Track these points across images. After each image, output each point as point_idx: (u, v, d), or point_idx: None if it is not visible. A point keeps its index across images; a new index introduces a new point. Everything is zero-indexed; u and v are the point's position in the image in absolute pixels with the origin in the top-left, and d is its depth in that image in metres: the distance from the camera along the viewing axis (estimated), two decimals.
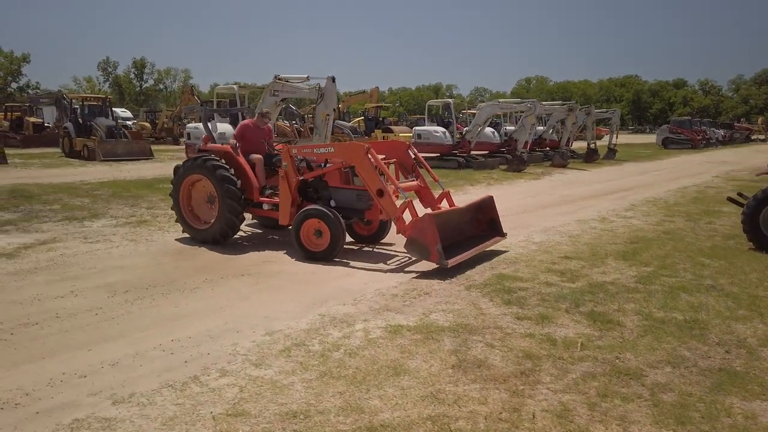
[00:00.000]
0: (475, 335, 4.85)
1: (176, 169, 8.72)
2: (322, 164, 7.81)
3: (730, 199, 8.78)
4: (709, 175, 20.17)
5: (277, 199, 8.24)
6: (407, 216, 7.05)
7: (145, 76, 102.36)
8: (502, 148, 22.63)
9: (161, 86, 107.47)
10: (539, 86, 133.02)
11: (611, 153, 26.29)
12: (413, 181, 7.97)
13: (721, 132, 47.02)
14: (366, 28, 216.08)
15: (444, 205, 7.83)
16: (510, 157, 20.52)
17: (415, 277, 6.69)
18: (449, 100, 22.00)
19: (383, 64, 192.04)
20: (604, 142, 30.56)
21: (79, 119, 24.43)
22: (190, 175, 8.47)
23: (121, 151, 24.05)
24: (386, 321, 5.21)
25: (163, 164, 21.91)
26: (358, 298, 6.01)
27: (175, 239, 8.83)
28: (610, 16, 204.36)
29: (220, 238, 8.23)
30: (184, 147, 23.08)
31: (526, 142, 20.32)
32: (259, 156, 8.57)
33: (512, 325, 5.09)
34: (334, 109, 12.98)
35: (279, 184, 7.96)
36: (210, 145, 8.77)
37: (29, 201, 11.73)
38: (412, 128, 41.53)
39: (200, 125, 16.04)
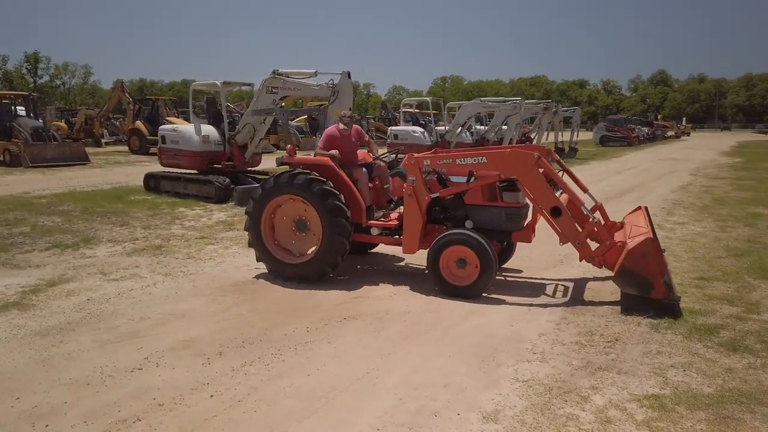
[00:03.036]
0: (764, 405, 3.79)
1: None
2: (466, 177, 6.33)
3: None
4: (685, 173, 20.42)
5: (391, 222, 6.86)
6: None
7: (39, 72, 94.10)
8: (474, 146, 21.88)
9: (58, 82, 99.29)
10: (455, 85, 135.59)
11: (572, 152, 26.34)
12: (559, 193, 6.63)
13: (645, 130, 49.19)
14: (274, 26, 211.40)
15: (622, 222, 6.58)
16: None
17: (568, 314, 5.56)
18: (427, 98, 21.01)
19: (299, 63, 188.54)
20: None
21: None
22: (276, 198, 6.73)
23: (52, 155, 21.16)
24: (622, 388, 4.04)
25: (105, 170, 19.41)
26: (530, 348, 4.80)
27: (217, 268, 7.19)
28: (520, 16, 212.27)
29: (328, 270, 6.58)
30: (119, 149, 20.77)
31: (512, 141, 19.66)
32: (362, 170, 7.07)
33: None
34: (350, 109, 11.56)
35: (404, 204, 6.46)
36: (301, 157, 7.03)
37: None
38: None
39: (179, 127, 14.01)
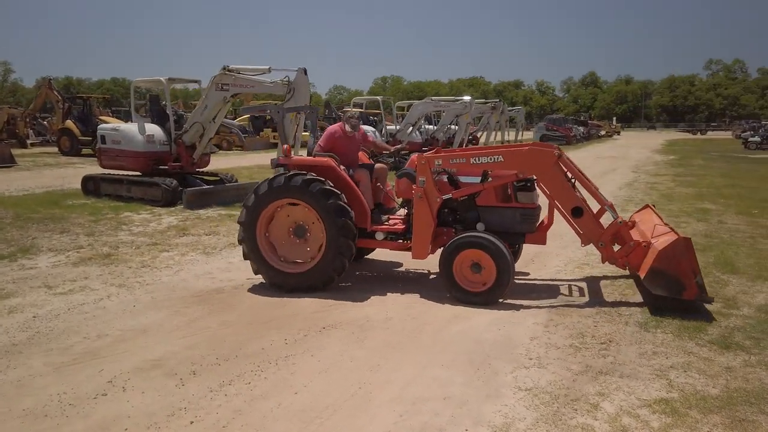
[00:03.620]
0: None
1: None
2: (481, 177, 6.04)
3: None
4: (627, 170, 21.04)
5: (396, 226, 6.51)
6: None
7: None
8: (424, 147, 21.82)
9: None
10: (395, 85, 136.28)
11: None
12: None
13: (582, 129, 50.83)
14: (209, 24, 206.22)
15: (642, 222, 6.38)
16: None
17: (554, 316, 5.42)
18: (377, 97, 20.73)
19: (239, 61, 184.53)
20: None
21: None
22: (271, 204, 6.19)
23: None
24: (629, 393, 3.89)
25: (34, 173, 18.11)
26: (524, 353, 4.62)
27: (175, 278, 6.67)
28: (458, 18, 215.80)
29: (333, 276, 6.14)
30: (47, 150, 19.64)
31: (462, 141, 19.66)
32: (364, 171, 6.65)
33: None
34: (308, 106, 11.10)
35: (413, 206, 6.07)
36: (299, 157, 6.58)
37: None
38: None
39: (121, 126, 13.15)
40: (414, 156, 6.52)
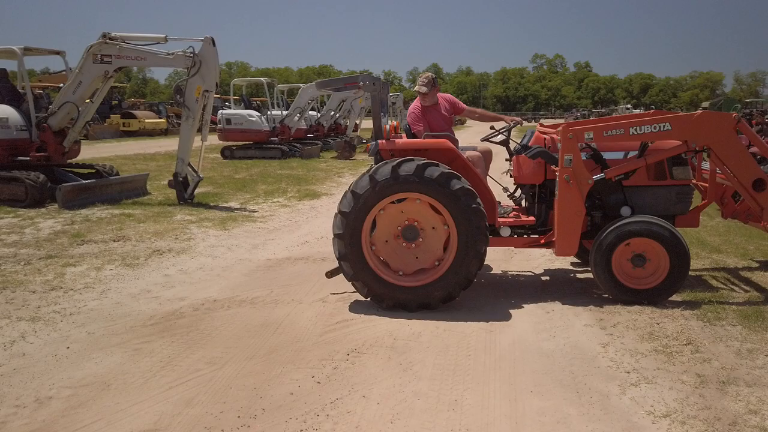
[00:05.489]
0: None
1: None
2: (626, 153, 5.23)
3: None
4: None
5: (525, 218, 5.45)
6: None
7: None
8: (309, 134, 20.59)
9: None
10: (241, 72, 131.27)
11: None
12: None
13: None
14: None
15: None
16: (337, 143, 18.67)
17: (602, 315, 4.77)
18: (262, 79, 18.89)
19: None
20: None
21: None
22: (384, 200, 4.78)
23: None
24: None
25: None
26: (611, 365, 3.89)
27: (105, 300, 5.02)
28: (307, 6, 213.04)
29: (457, 291, 4.86)
30: None
31: (346, 126, 18.68)
32: (477, 153, 5.37)
33: None
34: (217, 84, 9.45)
35: (559, 192, 4.96)
36: (405, 140, 5.15)
37: None
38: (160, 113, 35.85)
39: None
40: (537, 132, 5.55)
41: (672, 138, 5.04)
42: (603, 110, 71.46)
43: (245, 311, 4.90)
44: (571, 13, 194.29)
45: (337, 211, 4.88)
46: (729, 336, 4.30)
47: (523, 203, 5.80)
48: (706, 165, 5.93)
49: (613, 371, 3.81)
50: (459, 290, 4.84)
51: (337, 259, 4.91)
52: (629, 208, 5.16)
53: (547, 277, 6.04)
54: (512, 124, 5.80)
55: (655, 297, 4.89)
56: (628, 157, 5.26)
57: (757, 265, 6.25)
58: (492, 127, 5.87)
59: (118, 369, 3.80)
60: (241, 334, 4.43)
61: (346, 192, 4.90)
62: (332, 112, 20.63)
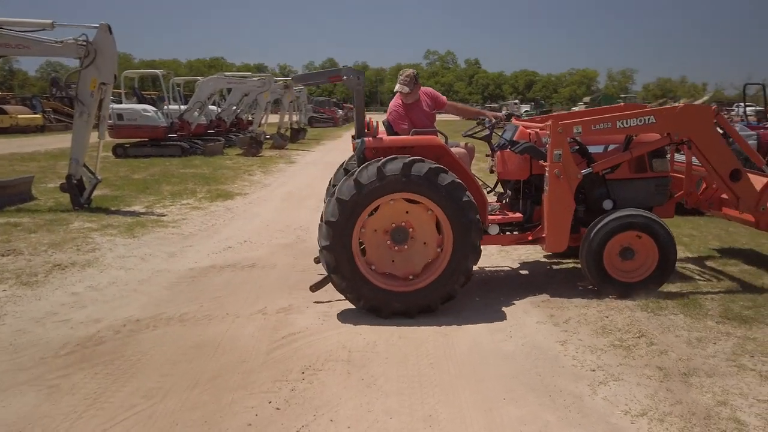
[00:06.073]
0: None
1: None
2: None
3: None
4: None
5: (513, 215, 5.30)
6: None
7: None
8: (210, 130, 19.52)
9: None
10: (123, 64, 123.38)
11: (303, 132, 25.91)
12: None
13: (341, 111, 52.12)
14: None
15: None
16: (242, 139, 17.84)
17: (552, 310, 4.74)
18: (157, 71, 17.42)
19: None
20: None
21: None
22: (375, 202, 4.51)
23: None
24: (745, 395, 3.37)
25: None
26: (576, 364, 3.84)
27: (5, 330, 4.28)
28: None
29: (455, 291, 4.68)
30: None
31: (249, 121, 17.85)
32: (462, 150, 5.09)
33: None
34: (115, 76, 8.51)
35: (549, 187, 4.88)
36: (401, 137, 4.94)
37: None
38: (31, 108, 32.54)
39: None
40: (521, 127, 5.33)
41: (656, 131, 5.16)
42: (495, 105, 74.52)
43: (175, 331, 4.38)
44: (461, 11, 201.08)
45: (322, 222, 4.56)
46: (675, 326, 4.42)
47: (506, 200, 5.72)
48: (679, 157, 6.24)
49: (578, 370, 3.76)
50: (458, 288, 4.69)
51: (329, 272, 4.59)
52: (611, 201, 5.24)
53: (489, 272, 5.99)
54: (495, 120, 5.64)
55: (646, 287, 4.95)
56: (608, 150, 5.33)
57: (693, 255, 6.50)
58: (479, 122, 5.66)
59: (34, 413, 3.20)
60: (176, 358, 3.93)
61: (329, 200, 4.57)
62: (234, 107, 19.71)
